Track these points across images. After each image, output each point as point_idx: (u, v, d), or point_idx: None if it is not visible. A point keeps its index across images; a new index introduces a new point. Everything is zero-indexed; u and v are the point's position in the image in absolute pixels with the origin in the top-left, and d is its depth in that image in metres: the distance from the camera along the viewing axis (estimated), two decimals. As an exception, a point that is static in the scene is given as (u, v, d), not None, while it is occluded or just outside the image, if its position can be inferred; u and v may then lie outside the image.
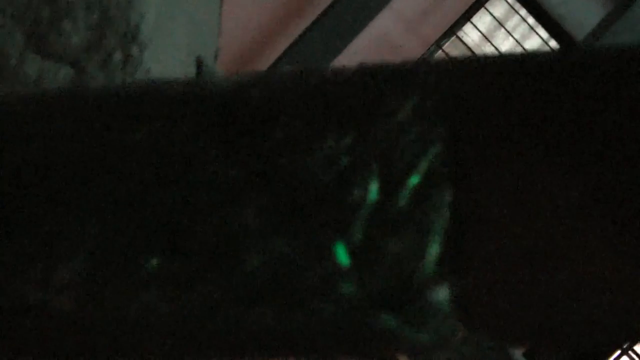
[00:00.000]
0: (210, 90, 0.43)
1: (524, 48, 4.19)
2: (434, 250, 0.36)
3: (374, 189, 0.36)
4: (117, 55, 1.03)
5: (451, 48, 4.00)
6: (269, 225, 0.37)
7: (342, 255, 0.36)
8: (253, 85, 0.43)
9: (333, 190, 0.37)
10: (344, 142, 0.37)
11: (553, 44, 3.80)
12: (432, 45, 3.91)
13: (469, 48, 4.13)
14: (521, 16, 4.04)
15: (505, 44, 4.38)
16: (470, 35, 4.24)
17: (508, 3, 3.92)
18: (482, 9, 3.87)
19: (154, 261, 0.37)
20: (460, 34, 4.05)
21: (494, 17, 3.96)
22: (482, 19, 3.95)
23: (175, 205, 0.38)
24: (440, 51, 3.88)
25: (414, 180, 0.36)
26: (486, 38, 4.15)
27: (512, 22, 4.21)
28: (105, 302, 0.38)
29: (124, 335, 0.39)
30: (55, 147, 0.40)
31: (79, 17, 1.02)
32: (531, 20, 3.91)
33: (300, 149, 0.39)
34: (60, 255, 0.38)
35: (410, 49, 3.94)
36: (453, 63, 0.42)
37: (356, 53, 3.40)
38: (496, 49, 4.24)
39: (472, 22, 3.85)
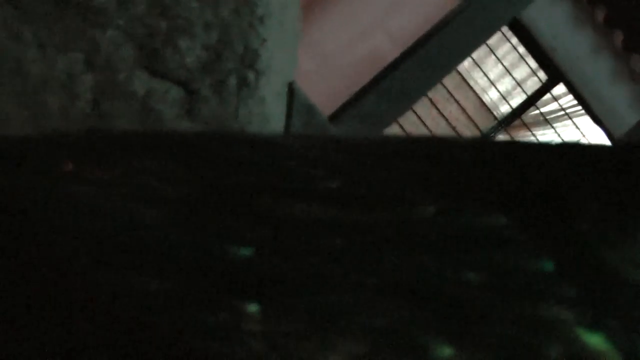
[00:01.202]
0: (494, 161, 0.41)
1: (512, 76, 4.27)
2: None
3: None
4: (232, 80, 0.97)
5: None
6: (577, 317, 0.35)
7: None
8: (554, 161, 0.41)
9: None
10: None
11: (541, 74, 3.89)
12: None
13: (458, 72, 4.20)
14: (512, 44, 4.13)
15: (494, 71, 4.46)
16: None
17: (500, 31, 3.99)
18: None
19: (447, 350, 0.35)
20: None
21: (486, 43, 4.02)
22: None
23: (471, 291, 0.36)
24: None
25: None
26: (476, 63, 4.22)
27: (503, 49, 4.28)
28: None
29: None
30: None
31: (197, 35, 0.96)
32: (522, 49, 3.99)
33: (613, 240, 0.37)
34: (336, 334, 0.35)
35: (401, 68, 3.96)
36: None
37: (348, 69, 3.41)
38: (485, 74, 4.30)
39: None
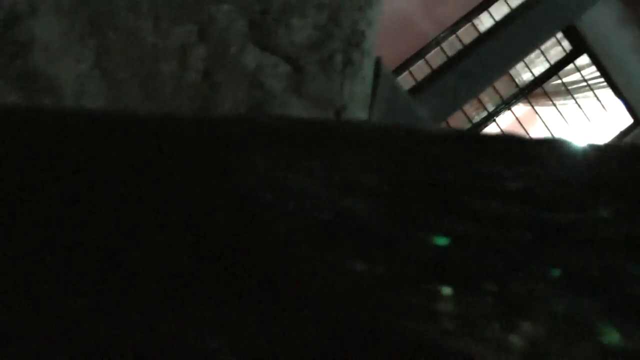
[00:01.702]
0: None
1: (536, 44, 4.24)
2: None
3: None
4: (338, 59, 1.01)
5: (464, 35, 4.04)
6: None
7: None
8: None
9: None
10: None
11: (566, 44, 3.88)
12: (446, 30, 3.95)
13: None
14: (537, 12, 4.10)
15: (518, 38, 4.43)
16: (485, 23, 4.28)
17: (526, -1, 3.96)
18: (501, 0, 3.92)
19: (615, 336, 0.40)
20: (475, 21, 4.09)
21: (511, 8, 4.01)
22: (499, 10, 3.99)
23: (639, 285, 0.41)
24: (453, 36, 3.93)
25: None
26: (500, 29, 4.19)
27: (528, 17, 4.25)
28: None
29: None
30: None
31: (308, 15, 0.99)
32: (546, 18, 3.96)
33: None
34: (519, 317, 0.40)
35: (423, 30, 3.96)
36: None
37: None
38: (509, 41, 4.28)
39: (489, 12, 3.90)
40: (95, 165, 0.47)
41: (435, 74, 2.61)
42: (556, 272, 0.40)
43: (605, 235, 0.43)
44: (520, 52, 2.71)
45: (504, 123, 4.21)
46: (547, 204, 0.43)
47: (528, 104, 4.12)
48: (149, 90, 1.01)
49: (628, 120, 4.05)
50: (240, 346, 0.46)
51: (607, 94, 3.89)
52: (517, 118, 4.06)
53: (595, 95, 4.02)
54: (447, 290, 0.39)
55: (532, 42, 2.76)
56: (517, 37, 2.65)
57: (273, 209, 0.41)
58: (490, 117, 4.15)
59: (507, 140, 0.52)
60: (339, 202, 0.42)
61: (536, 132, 4.61)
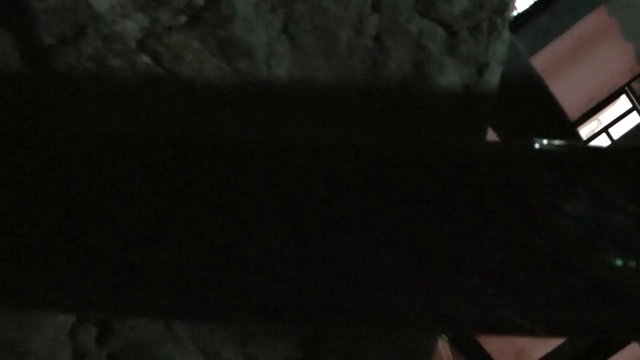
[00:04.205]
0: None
1: None
2: None
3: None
4: (485, 25, 1.18)
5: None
6: None
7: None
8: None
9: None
10: None
11: None
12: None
13: None
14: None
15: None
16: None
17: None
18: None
19: None
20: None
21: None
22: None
23: None
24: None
25: None
26: None
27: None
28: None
29: None
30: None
31: (469, -8, 1.16)
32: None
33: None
34: None
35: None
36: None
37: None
38: None
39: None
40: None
41: (529, 14, 2.78)
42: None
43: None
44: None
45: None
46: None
47: None
48: (327, 53, 1.18)
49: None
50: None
51: None
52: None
53: None
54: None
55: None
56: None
57: (557, 221, 0.63)
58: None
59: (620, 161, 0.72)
60: (601, 217, 0.61)
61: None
